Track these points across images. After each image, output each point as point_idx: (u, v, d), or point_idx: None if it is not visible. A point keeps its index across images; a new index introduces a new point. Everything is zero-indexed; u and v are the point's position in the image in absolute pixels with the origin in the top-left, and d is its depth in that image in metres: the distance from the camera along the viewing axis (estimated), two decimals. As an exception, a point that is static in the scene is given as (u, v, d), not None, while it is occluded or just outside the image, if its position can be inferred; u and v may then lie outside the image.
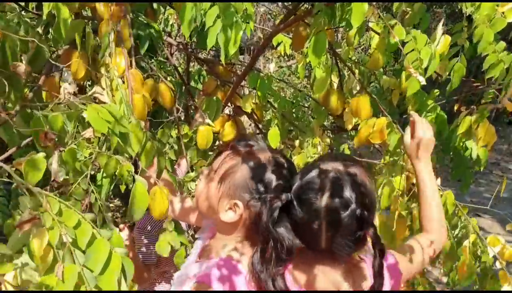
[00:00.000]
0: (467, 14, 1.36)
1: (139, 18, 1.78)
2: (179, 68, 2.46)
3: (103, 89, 1.03)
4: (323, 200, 0.89)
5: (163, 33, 1.93)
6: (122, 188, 1.57)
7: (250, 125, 2.29)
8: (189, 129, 1.72)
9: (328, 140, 1.90)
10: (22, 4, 1.35)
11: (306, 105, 2.18)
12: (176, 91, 2.34)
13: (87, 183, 1.05)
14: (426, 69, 1.32)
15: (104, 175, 1.04)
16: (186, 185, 1.54)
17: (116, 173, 0.99)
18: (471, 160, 1.75)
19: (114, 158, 0.98)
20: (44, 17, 1.13)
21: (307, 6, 1.55)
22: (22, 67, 0.90)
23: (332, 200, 0.89)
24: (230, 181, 0.98)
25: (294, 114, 1.92)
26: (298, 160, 1.68)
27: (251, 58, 1.73)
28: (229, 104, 1.95)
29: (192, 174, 1.54)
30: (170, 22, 2.72)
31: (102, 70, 1.47)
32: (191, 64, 2.59)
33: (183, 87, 2.24)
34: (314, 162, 1.01)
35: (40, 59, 1.30)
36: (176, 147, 1.60)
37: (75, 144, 0.97)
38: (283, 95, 2.21)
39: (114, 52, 1.17)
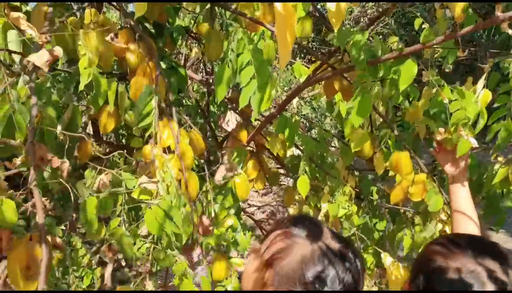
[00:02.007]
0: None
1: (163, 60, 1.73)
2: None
3: (153, 180, 0.99)
4: None
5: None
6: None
7: (271, 163, 2.24)
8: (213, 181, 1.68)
9: (353, 182, 1.86)
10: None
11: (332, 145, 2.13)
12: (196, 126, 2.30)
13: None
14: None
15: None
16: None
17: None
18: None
19: (171, 255, 0.96)
20: (82, 87, 1.08)
21: (340, 56, 1.51)
22: (66, 164, 0.86)
23: None
24: (277, 269, 0.83)
25: (319, 155, 1.88)
26: (330, 210, 1.64)
27: (279, 106, 1.69)
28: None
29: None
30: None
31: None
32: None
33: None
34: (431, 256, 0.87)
35: (75, 122, 1.25)
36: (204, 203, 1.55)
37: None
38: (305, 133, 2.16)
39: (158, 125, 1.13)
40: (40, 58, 0.81)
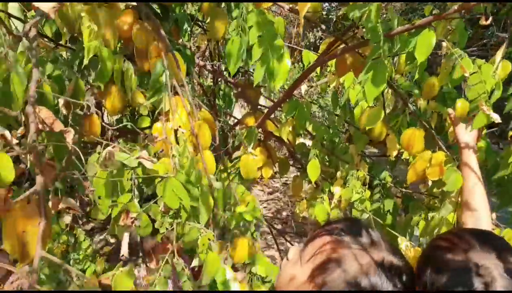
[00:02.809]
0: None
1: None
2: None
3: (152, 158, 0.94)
4: None
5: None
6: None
7: (280, 150, 2.19)
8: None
9: (365, 168, 1.80)
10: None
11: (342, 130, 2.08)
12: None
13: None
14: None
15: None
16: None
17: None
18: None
19: (194, 228, 0.91)
20: (86, 61, 1.04)
21: (355, 32, 1.46)
22: (71, 133, 0.81)
23: None
24: (327, 278, 0.77)
25: (331, 141, 1.82)
26: (343, 194, 1.58)
27: (289, 87, 1.63)
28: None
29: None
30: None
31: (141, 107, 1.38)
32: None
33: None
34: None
35: (78, 97, 1.21)
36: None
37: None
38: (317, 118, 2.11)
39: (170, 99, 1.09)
40: (47, 4, 0.76)
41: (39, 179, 0.58)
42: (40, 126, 0.71)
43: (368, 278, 0.74)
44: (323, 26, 1.40)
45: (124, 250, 0.92)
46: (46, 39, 1.16)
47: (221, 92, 2.45)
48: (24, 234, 0.57)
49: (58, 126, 0.76)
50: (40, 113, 0.71)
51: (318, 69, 2.34)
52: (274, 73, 1.24)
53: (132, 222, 0.93)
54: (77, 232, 2.47)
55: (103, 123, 1.31)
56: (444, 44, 1.23)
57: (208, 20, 1.50)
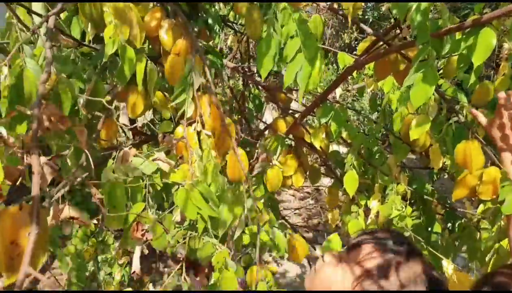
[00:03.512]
0: None
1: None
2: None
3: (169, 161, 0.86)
4: None
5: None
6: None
7: (311, 156, 2.07)
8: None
9: (405, 181, 1.65)
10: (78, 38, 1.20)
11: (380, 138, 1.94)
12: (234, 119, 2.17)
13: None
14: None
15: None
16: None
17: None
18: None
19: (209, 243, 0.82)
20: (105, 59, 0.97)
21: (397, 32, 1.33)
22: (84, 132, 0.74)
23: None
24: (373, 287, 0.78)
25: (368, 150, 1.69)
26: (382, 210, 1.45)
27: (324, 91, 1.52)
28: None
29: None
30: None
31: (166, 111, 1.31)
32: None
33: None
34: None
35: (98, 97, 1.15)
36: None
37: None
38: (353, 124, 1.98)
39: (194, 101, 1.01)
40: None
41: (35, 181, 0.51)
42: (46, 124, 0.64)
43: (415, 287, 0.76)
44: (363, 26, 1.28)
45: (136, 266, 0.84)
46: (64, 37, 1.11)
47: (251, 95, 2.37)
48: (14, 246, 0.50)
49: (66, 124, 0.69)
50: (46, 109, 0.64)
51: (354, 72, 2.21)
52: (305, 76, 1.13)
53: (143, 235, 0.85)
54: (106, 235, 2.45)
55: (122, 126, 1.24)
56: (506, 45, 1.08)
57: (243, 18, 1.41)
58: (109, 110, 1.14)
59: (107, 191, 0.98)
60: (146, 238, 0.86)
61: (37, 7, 1.16)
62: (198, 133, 1.04)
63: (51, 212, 0.63)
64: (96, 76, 1.08)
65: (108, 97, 1.09)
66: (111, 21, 1.00)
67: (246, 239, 1.25)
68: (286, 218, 4.78)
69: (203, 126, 1.02)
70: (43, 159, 0.60)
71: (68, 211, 0.64)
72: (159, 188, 1.07)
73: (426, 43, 1.07)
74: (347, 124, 1.56)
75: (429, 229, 1.62)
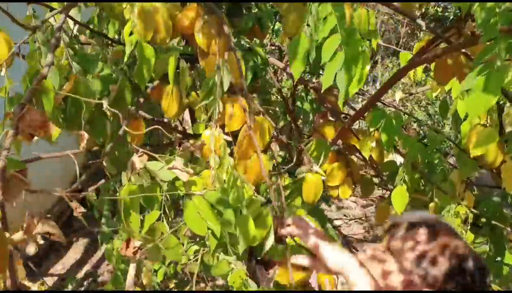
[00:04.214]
0: None
1: (241, 42, 1.54)
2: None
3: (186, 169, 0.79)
4: None
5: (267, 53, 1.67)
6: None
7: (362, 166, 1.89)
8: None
9: (471, 201, 1.42)
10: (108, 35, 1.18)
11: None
12: (279, 121, 2.07)
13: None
14: None
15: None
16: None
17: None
18: None
19: (224, 261, 0.75)
20: (126, 59, 0.93)
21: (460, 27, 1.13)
22: (85, 136, 0.70)
23: None
24: (428, 271, 0.78)
25: (427, 163, 1.48)
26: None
27: (376, 93, 1.36)
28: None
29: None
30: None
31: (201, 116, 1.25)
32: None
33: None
34: None
35: (124, 97, 1.12)
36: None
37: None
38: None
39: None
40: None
41: None
42: (26, 130, 0.60)
43: (474, 260, 0.77)
44: (419, 21, 1.10)
45: (129, 284, 0.78)
46: (82, 35, 1.10)
47: (308, 97, 2.24)
48: None
49: (50, 129, 0.64)
50: (28, 114, 0.60)
51: (420, 72, 1.98)
52: (346, 77, 1.00)
53: (135, 253, 0.79)
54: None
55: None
56: None
57: (283, 13, 1.31)
58: (136, 110, 1.11)
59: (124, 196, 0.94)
60: (140, 256, 0.80)
61: (72, 12, 1.16)
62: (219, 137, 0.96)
63: (24, 226, 0.59)
64: (121, 75, 1.04)
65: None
66: (128, 19, 0.95)
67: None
68: (344, 227, 4.55)
69: (222, 130, 0.93)
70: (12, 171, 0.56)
71: (41, 226, 0.59)
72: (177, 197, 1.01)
73: (494, 40, 0.88)
74: (401, 133, 1.38)
75: (499, 259, 1.38)
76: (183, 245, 0.98)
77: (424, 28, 1.13)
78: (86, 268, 3.25)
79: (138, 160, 0.83)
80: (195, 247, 1.04)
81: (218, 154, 0.97)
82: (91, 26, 1.20)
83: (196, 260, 1.02)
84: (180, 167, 0.89)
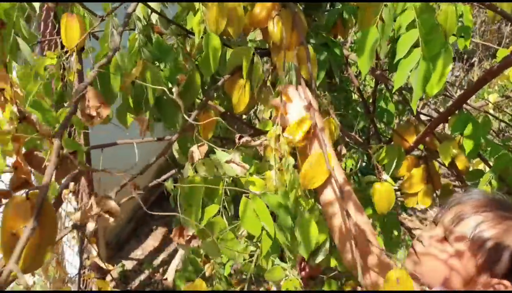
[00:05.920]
0: None
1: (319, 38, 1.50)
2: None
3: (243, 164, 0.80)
4: None
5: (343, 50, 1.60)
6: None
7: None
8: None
9: None
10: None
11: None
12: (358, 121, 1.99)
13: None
14: None
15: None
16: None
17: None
18: None
19: (278, 267, 0.76)
20: (195, 50, 0.96)
21: None
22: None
23: None
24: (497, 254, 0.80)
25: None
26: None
27: (461, 95, 1.23)
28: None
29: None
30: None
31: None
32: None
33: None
34: None
35: (193, 89, 1.15)
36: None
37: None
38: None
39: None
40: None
41: (48, 172, 0.49)
42: (87, 110, 0.64)
43: None
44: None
45: (170, 273, 0.80)
46: (154, 26, 1.14)
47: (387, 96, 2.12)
48: (14, 238, 0.50)
49: (104, 112, 0.67)
50: (88, 95, 0.64)
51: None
52: (422, 76, 0.92)
53: (189, 241, 0.80)
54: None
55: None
56: None
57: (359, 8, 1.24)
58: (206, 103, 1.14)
59: (185, 187, 0.96)
60: (193, 245, 0.81)
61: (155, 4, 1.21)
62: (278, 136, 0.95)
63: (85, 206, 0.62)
64: (192, 65, 1.08)
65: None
66: (198, 9, 0.97)
67: (332, 261, 1.10)
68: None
69: (283, 128, 0.92)
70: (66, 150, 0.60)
71: (103, 205, 0.62)
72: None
73: None
74: (488, 140, 1.23)
75: None
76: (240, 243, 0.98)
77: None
78: (163, 256, 3.45)
79: (197, 151, 0.85)
80: (252, 248, 1.04)
81: (282, 154, 0.96)
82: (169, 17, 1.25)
83: (251, 261, 1.02)
84: (237, 161, 0.89)
